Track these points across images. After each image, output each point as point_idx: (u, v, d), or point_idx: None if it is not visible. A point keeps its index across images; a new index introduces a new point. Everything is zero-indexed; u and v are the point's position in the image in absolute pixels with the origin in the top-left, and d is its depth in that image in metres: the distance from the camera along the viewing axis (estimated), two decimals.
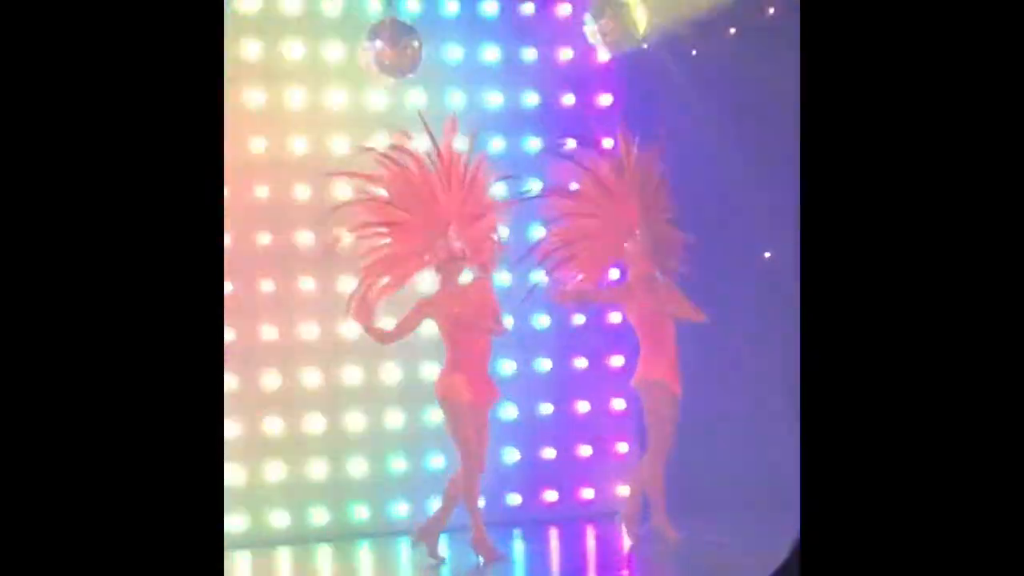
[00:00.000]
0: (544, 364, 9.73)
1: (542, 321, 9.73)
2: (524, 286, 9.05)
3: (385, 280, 8.37)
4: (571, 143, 9.08)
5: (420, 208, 8.44)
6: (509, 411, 9.52)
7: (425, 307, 8.36)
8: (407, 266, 8.48)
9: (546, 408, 9.71)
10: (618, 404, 9.85)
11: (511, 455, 9.56)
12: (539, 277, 8.96)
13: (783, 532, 4.56)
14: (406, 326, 8.36)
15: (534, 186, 9.08)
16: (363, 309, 8.17)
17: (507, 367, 9.54)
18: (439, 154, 8.45)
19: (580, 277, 8.81)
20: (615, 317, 9.75)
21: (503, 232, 8.79)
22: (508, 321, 8.70)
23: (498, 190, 8.98)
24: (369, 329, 8.27)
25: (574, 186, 8.84)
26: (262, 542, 8.99)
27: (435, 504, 8.66)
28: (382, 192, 8.41)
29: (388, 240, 8.42)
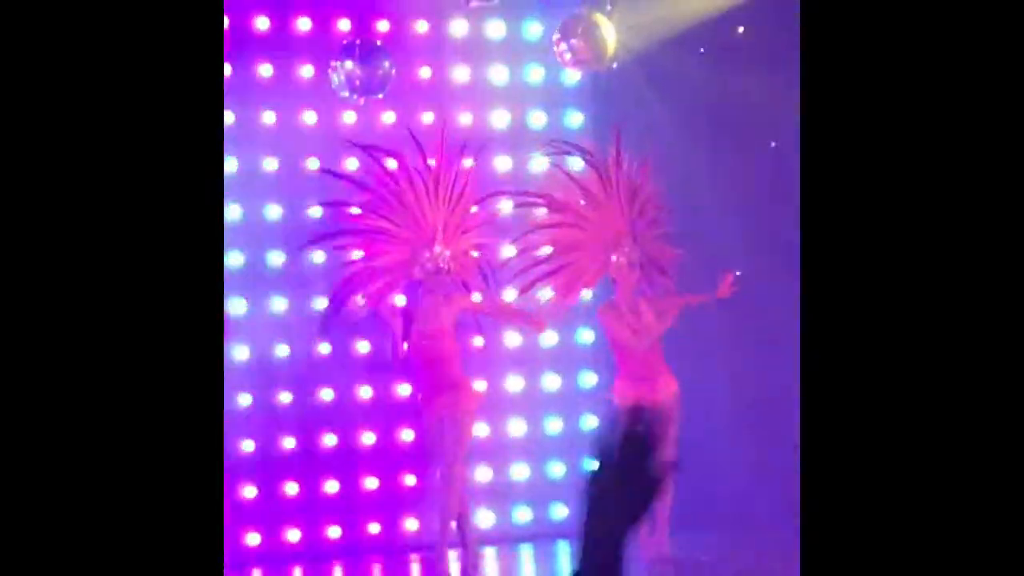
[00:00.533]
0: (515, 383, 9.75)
1: (550, 339, 9.75)
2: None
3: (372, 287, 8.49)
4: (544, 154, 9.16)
5: (407, 221, 8.50)
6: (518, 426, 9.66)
7: (399, 312, 8.45)
8: (396, 276, 8.57)
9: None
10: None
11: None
12: (544, 293, 8.98)
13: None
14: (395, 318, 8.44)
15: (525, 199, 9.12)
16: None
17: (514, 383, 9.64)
18: (426, 168, 8.52)
19: (561, 292, 8.84)
20: (587, 336, 9.79)
21: (499, 249, 8.89)
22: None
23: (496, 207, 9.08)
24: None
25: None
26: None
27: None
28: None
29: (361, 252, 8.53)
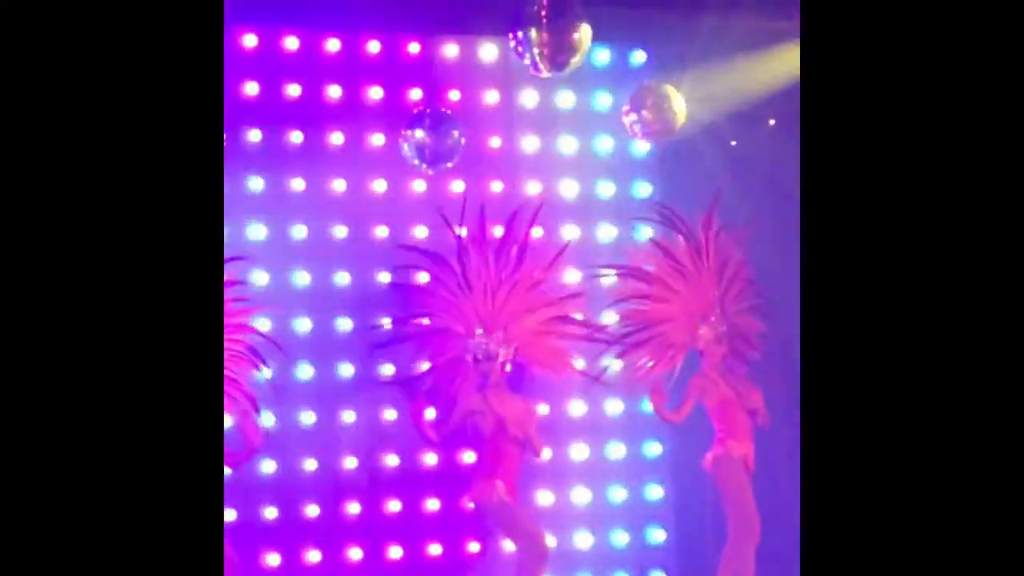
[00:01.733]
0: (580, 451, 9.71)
1: (614, 407, 9.69)
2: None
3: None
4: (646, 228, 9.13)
5: (455, 312, 8.59)
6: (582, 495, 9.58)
7: (470, 400, 8.41)
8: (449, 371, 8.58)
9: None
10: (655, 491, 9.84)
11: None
12: (611, 362, 8.96)
13: None
14: (455, 421, 8.42)
15: (608, 272, 9.11)
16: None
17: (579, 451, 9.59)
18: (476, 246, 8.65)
19: (649, 364, 8.81)
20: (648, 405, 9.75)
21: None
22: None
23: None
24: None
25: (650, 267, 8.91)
26: None
27: None
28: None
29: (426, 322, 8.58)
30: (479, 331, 8.45)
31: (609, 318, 9.01)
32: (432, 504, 9.24)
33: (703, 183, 9.36)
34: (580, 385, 9.21)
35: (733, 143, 9.42)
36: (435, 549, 9.24)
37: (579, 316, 8.97)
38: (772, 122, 9.40)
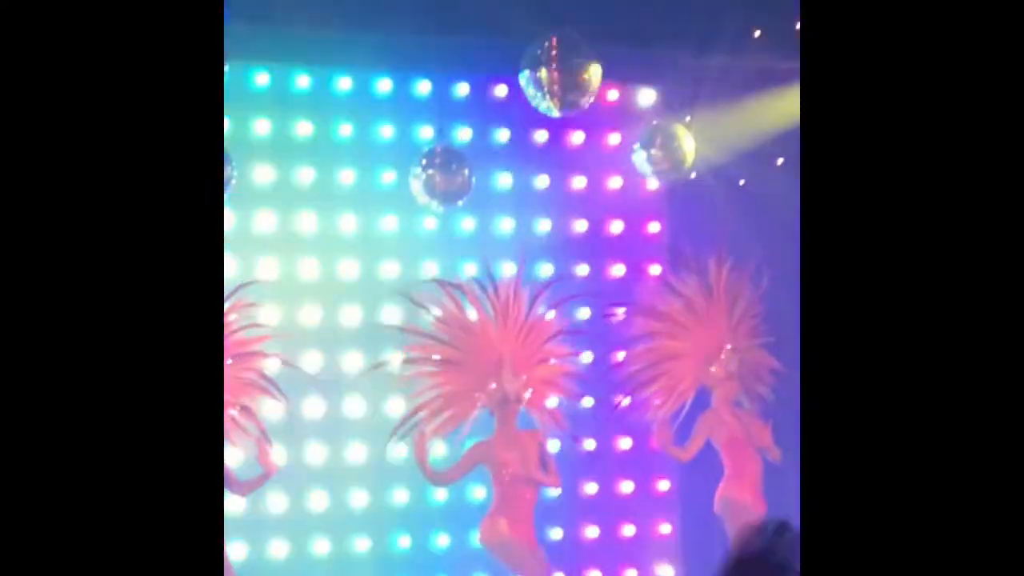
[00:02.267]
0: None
1: (622, 443, 9.72)
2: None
3: (441, 418, 8.41)
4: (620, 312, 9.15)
5: (471, 346, 8.49)
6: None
7: (477, 451, 8.37)
8: (461, 406, 8.49)
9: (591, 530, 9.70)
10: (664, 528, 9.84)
11: None
12: (622, 399, 8.96)
13: None
14: (459, 470, 8.36)
15: (619, 311, 9.12)
16: (420, 448, 8.14)
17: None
18: (496, 290, 8.55)
19: (657, 403, 8.81)
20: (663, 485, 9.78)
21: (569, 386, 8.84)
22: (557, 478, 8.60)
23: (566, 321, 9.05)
24: (423, 468, 8.21)
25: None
26: None
27: None
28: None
29: (437, 378, 8.47)
30: (505, 372, 8.38)
31: (619, 357, 9.01)
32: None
33: (712, 221, 9.38)
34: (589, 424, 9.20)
35: (742, 182, 9.44)
36: None
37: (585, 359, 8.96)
38: (780, 161, 9.42)
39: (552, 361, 8.68)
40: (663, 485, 9.81)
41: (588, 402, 9.20)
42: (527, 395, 8.38)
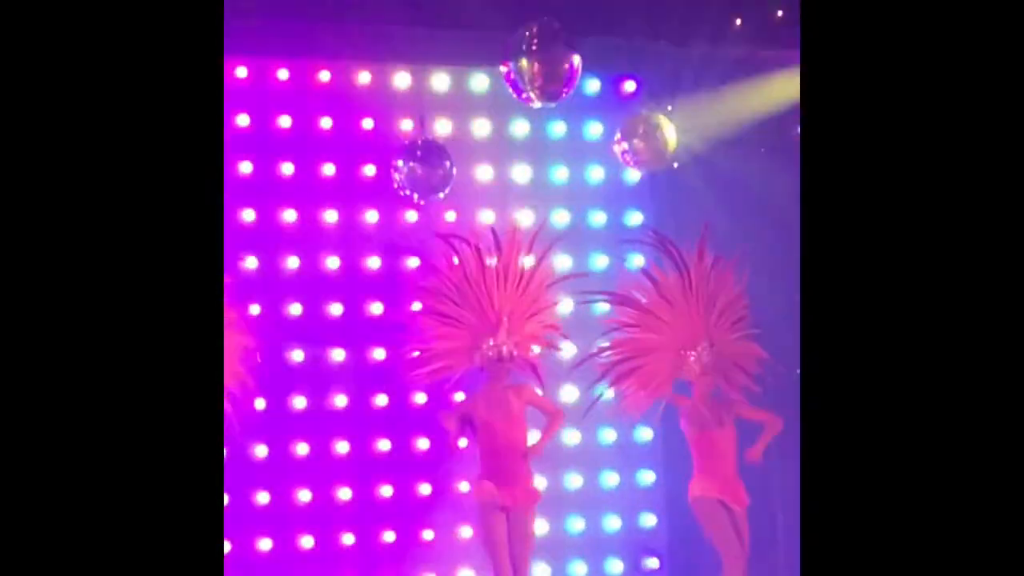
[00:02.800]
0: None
1: (608, 435, 9.70)
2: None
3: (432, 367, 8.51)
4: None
5: (473, 304, 8.52)
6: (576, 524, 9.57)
7: (462, 406, 8.39)
8: (455, 361, 8.56)
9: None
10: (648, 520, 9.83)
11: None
12: (603, 390, 8.94)
13: None
14: (450, 421, 8.37)
15: (598, 299, 9.11)
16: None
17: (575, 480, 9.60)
18: (499, 252, 8.57)
19: (634, 396, 8.80)
20: (646, 434, 9.75)
21: (563, 343, 8.87)
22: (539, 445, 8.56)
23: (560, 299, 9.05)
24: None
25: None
26: None
27: None
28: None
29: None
30: (502, 334, 8.41)
31: (600, 345, 8.98)
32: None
33: (695, 211, 9.35)
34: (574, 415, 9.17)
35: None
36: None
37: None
38: (763, 150, 9.40)
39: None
40: (647, 477, 9.79)
41: (574, 394, 9.18)
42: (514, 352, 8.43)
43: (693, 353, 8.64)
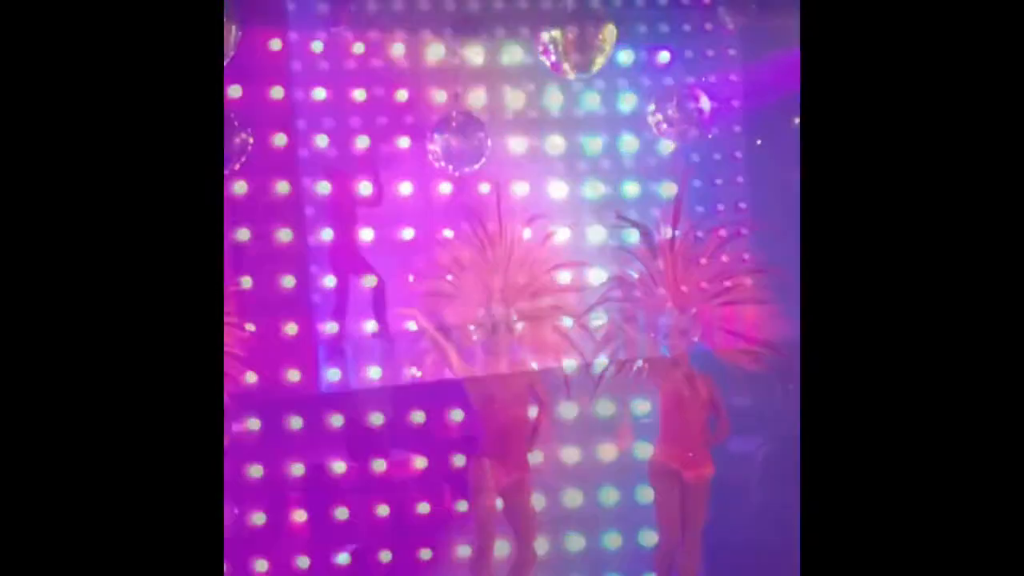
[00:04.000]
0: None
1: (607, 452, 9.70)
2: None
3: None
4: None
5: (476, 271, 8.50)
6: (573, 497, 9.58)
7: (469, 384, 8.38)
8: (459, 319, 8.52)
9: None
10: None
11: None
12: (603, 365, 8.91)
13: None
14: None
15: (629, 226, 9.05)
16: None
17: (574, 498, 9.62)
18: (501, 230, 8.56)
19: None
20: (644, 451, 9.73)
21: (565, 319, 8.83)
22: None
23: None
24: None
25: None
26: None
27: None
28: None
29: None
30: (495, 305, 8.41)
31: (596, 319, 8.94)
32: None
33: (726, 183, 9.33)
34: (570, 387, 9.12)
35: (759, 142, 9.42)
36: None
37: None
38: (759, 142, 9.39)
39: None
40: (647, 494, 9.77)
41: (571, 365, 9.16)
42: (518, 326, 8.38)
43: (668, 318, 8.54)
